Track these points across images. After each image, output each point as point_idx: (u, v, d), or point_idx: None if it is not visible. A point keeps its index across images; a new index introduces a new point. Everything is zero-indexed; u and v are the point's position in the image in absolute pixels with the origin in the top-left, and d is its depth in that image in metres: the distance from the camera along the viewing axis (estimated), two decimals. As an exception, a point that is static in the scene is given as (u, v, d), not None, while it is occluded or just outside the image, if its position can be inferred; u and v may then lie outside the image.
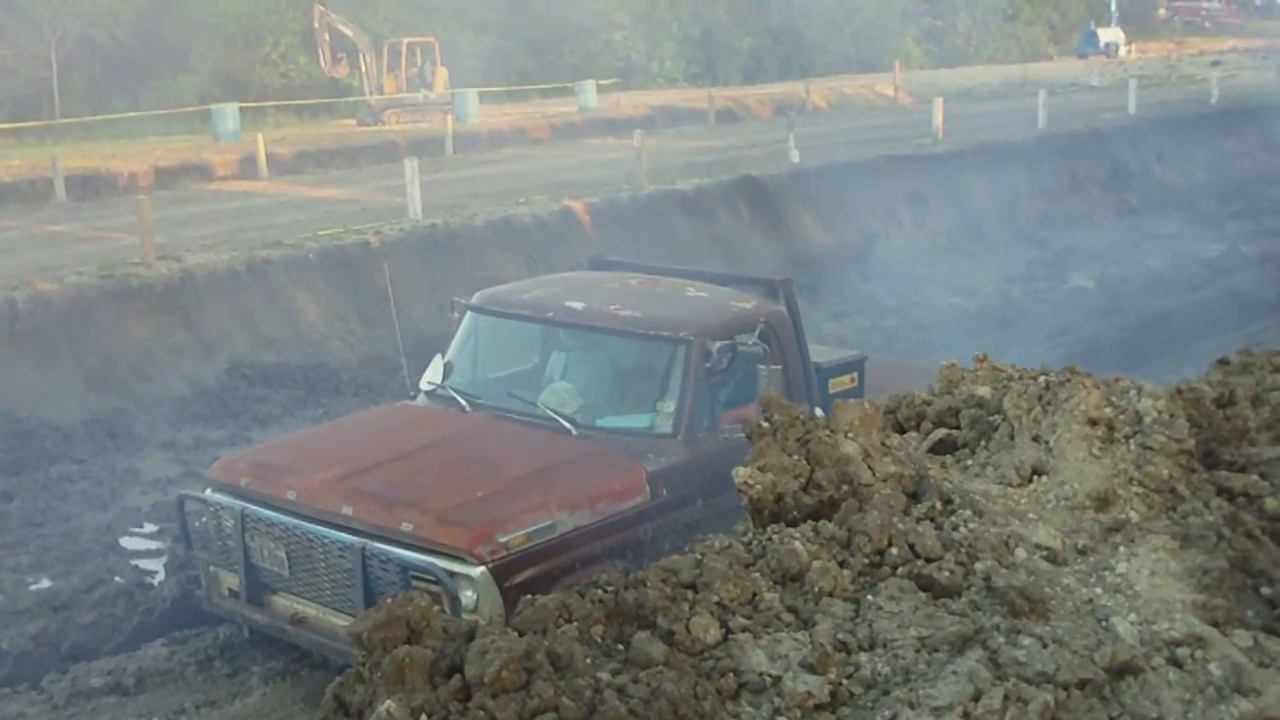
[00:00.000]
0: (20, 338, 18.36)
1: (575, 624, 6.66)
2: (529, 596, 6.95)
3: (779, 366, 10.61)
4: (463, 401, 11.27)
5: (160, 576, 13.08)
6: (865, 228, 29.19)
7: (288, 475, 10.33)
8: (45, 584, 13.21)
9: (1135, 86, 42.88)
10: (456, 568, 9.10)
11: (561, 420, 10.69)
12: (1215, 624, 7.54)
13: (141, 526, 14.90)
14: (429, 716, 5.97)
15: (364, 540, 9.50)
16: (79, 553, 13.92)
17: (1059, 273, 28.09)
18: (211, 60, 51.75)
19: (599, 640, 6.74)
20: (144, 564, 13.72)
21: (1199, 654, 7.22)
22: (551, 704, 6.00)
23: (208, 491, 10.81)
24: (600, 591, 7.00)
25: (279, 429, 17.32)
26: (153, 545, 14.29)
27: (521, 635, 6.40)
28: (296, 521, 9.97)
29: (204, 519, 10.85)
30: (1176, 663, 7.16)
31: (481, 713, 5.93)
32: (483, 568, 9.07)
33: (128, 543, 14.47)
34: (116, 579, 13.08)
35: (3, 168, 33.84)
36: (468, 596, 8.96)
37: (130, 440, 17.42)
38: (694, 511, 10.05)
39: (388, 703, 5.96)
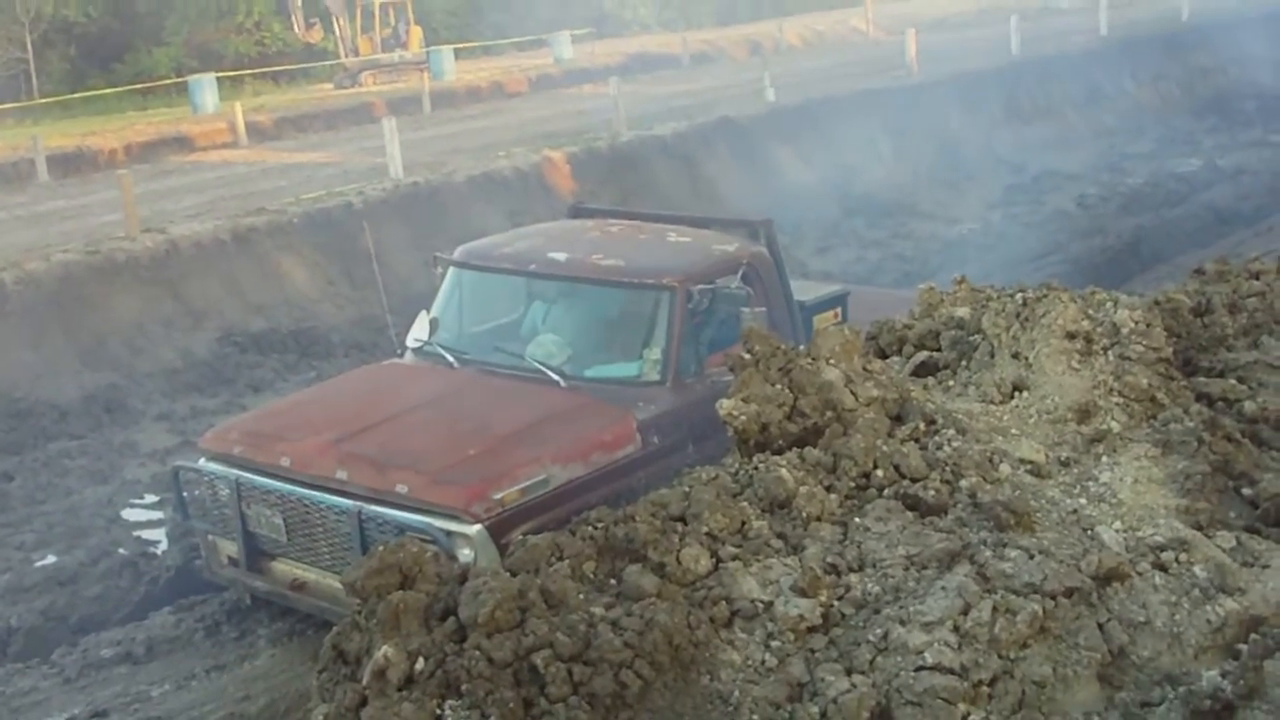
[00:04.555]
0: (11, 318, 18.40)
1: (567, 561, 6.74)
2: (520, 536, 7.02)
3: (763, 308, 10.52)
4: (450, 358, 11.23)
5: (163, 546, 13.16)
6: (845, 162, 29.16)
7: (280, 442, 10.31)
8: (51, 560, 13.28)
9: (1106, 6, 42.78)
10: (453, 527, 9.10)
11: (549, 372, 10.65)
12: (1199, 527, 7.68)
13: (142, 498, 14.96)
14: (425, 659, 6.05)
15: (359, 503, 9.49)
16: (82, 527, 14.00)
17: (1038, 196, 28.19)
18: (186, 32, 51.50)
19: (591, 576, 6.83)
20: (146, 535, 13.79)
21: (1183, 557, 7.36)
22: (546, 640, 6.09)
23: (201, 461, 10.79)
24: (590, 529, 7.07)
25: (273, 394, 17.38)
26: (154, 516, 14.36)
27: (514, 575, 6.49)
28: (291, 488, 9.96)
29: (200, 489, 10.84)
30: (1162, 567, 7.30)
31: (477, 652, 6.02)
32: (479, 525, 9.06)
33: (129, 515, 14.55)
34: (120, 551, 13.15)
35: (-17, 150, 33.79)
36: (465, 555, 8.90)
37: (126, 414, 17.49)
38: (685, 458, 9.89)
39: (385, 648, 6.05)
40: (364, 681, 6.08)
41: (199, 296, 20.17)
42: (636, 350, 10.88)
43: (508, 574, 6.52)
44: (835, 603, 6.82)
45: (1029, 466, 8.04)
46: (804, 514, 7.37)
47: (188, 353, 19.18)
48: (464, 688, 6.01)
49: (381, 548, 6.66)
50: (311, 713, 6.64)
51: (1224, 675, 6.60)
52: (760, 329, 9.02)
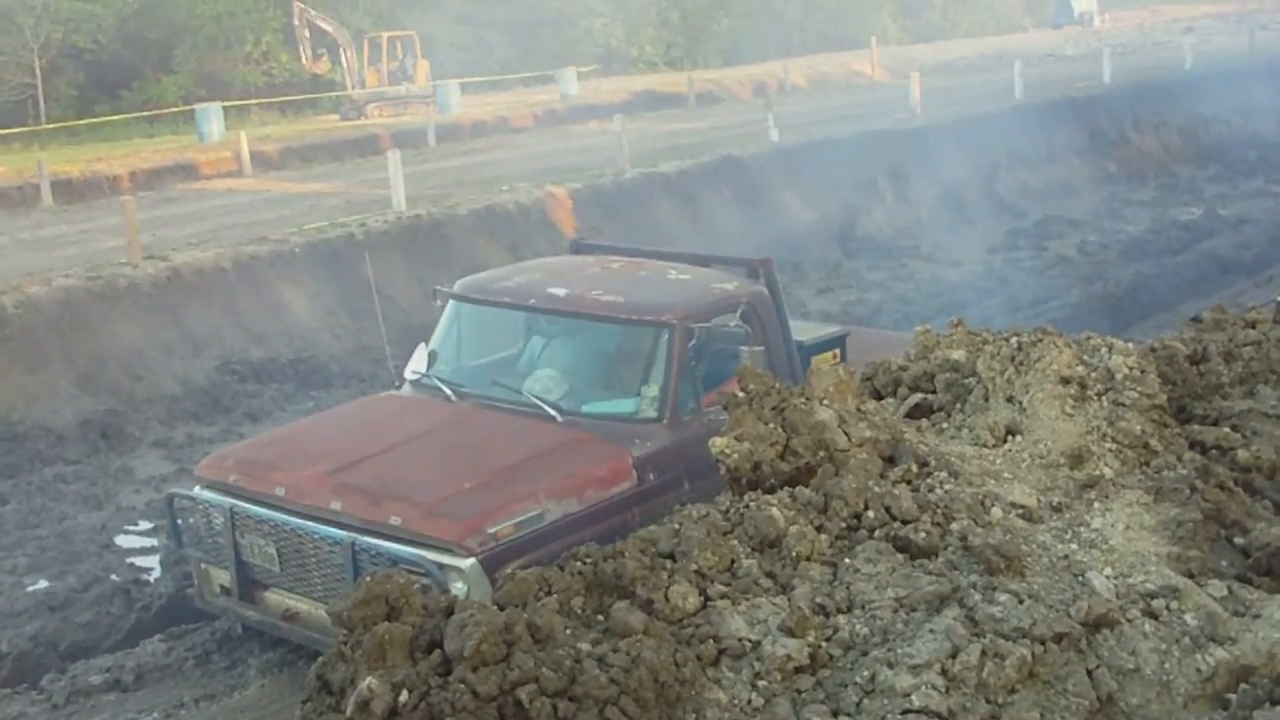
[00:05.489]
0: (10, 341, 18.41)
1: (555, 596, 6.73)
2: (510, 571, 7.00)
3: (761, 347, 10.54)
4: (447, 390, 11.23)
5: (156, 573, 13.15)
6: (847, 203, 29.29)
7: (275, 471, 10.32)
8: (42, 584, 13.25)
9: (1110, 55, 42.98)
10: (446, 560, 9.09)
11: (546, 407, 10.65)
12: (1190, 575, 7.65)
13: (136, 525, 14.95)
14: (410, 691, 6.02)
15: (353, 535, 9.49)
16: (75, 553, 13.98)
17: (1039, 241, 28.22)
18: (194, 61, 51.72)
19: (579, 611, 6.81)
20: (139, 561, 13.78)
21: (1174, 605, 7.34)
22: (532, 675, 6.06)
23: (196, 489, 10.79)
24: (579, 564, 7.06)
25: (271, 423, 17.39)
26: (148, 543, 14.33)
27: (501, 609, 6.48)
28: (285, 517, 9.96)
29: (194, 517, 10.85)
30: (1152, 614, 7.28)
31: (462, 686, 6.00)
32: (473, 559, 9.05)
33: (123, 541, 14.52)
34: (113, 577, 13.15)
35: (-12, 174, 33.89)
36: (458, 588, 8.89)
37: (123, 440, 17.50)
38: (681, 495, 9.86)
39: (369, 679, 6.03)
40: (348, 713, 6.06)
41: (199, 324, 20.19)
42: (634, 387, 10.88)
43: (494, 608, 6.50)
44: (823, 643, 6.80)
45: (1021, 511, 8.02)
46: (794, 553, 7.36)
47: (186, 380, 19.20)
48: (448, 721, 6.00)
49: (369, 578, 6.64)
50: (295, 743, 6.63)
51: (1212, 725, 6.59)
52: (754, 368, 9.03)
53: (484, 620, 6.20)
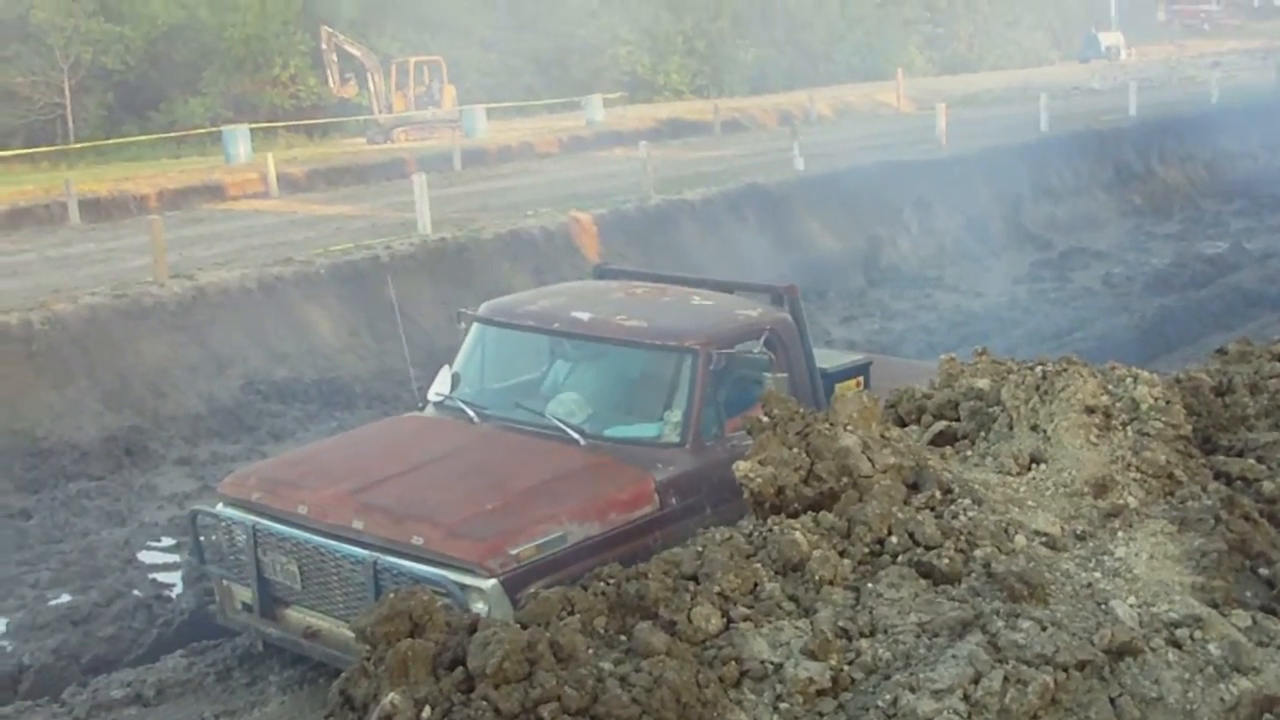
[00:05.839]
0: (37, 358, 18.49)
1: (578, 616, 6.75)
2: (533, 591, 7.01)
3: (784, 374, 10.48)
4: (470, 412, 11.24)
5: (178, 590, 13.18)
6: (871, 232, 29.27)
7: (298, 490, 10.34)
8: (65, 599, 13.33)
9: (1136, 89, 42.92)
10: (468, 580, 9.08)
11: (569, 430, 10.63)
12: (1214, 605, 7.64)
13: (159, 541, 15.00)
14: (432, 708, 6.04)
15: (375, 554, 9.49)
16: (97, 567, 14.05)
17: (1064, 273, 28.20)
18: (222, 83, 52.03)
19: (601, 632, 6.83)
20: (161, 577, 13.82)
21: (1198, 634, 7.33)
22: (554, 694, 6.07)
23: (219, 506, 10.82)
24: (602, 584, 7.08)
25: (293, 443, 17.41)
26: (170, 559, 14.39)
27: (524, 628, 6.49)
28: (308, 536, 9.97)
29: (216, 534, 10.87)
30: (1176, 643, 7.27)
31: (484, 703, 6.01)
32: (494, 580, 9.03)
33: (145, 557, 14.57)
34: (135, 592, 13.19)
35: (18, 192, 34.06)
36: (479, 609, 8.82)
37: (147, 457, 17.58)
38: (703, 520, 9.75)
39: (391, 695, 6.05)
40: (370, 728, 6.09)
41: (224, 343, 20.24)
42: (657, 411, 10.87)
43: (518, 626, 6.51)
44: (845, 667, 6.80)
45: (1044, 539, 8.02)
46: (817, 577, 7.36)
47: (210, 399, 19.25)
48: (470, 738, 6.01)
49: (392, 594, 6.66)
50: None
51: (1235, 755, 6.58)
52: (779, 393, 9.04)
53: (507, 638, 6.21)
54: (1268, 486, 8.81)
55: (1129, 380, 9.03)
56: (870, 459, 8.22)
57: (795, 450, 8.18)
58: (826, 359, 12.45)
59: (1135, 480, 8.49)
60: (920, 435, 9.31)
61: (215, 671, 11.27)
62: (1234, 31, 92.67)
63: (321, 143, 48.50)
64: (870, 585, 7.39)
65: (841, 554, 7.58)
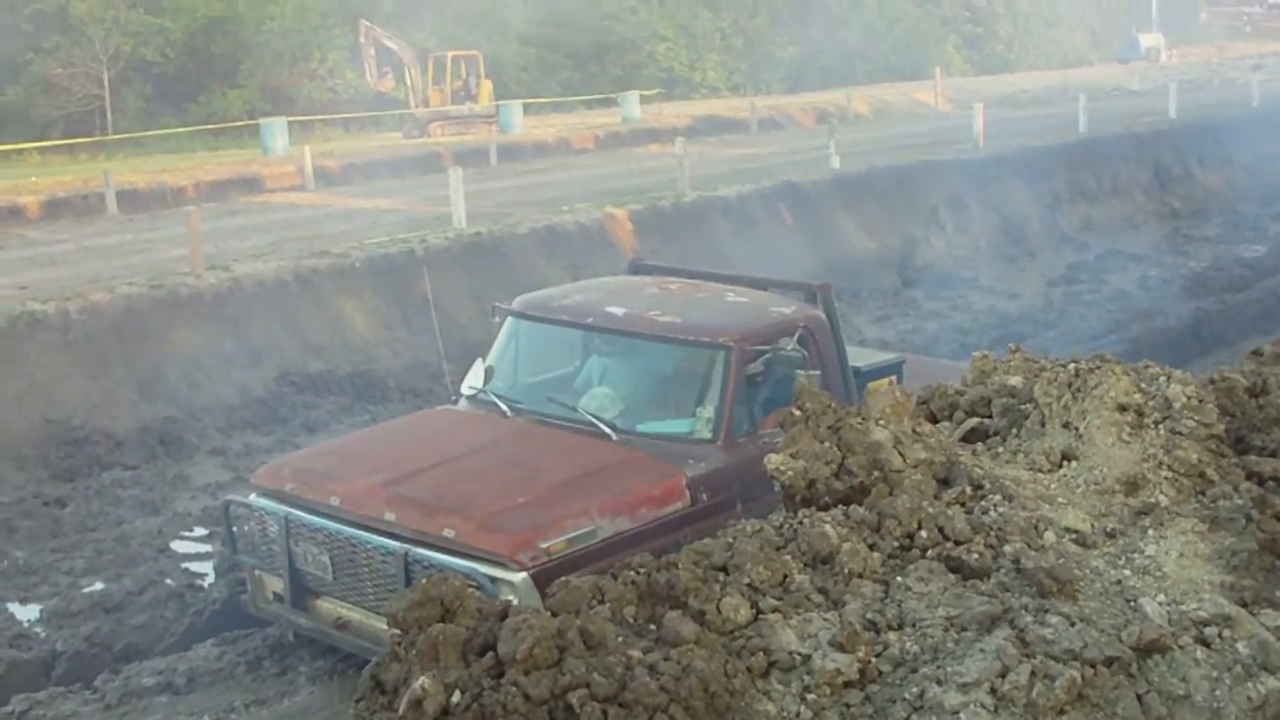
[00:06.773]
0: (73, 347, 18.61)
1: (608, 604, 6.77)
2: (563, 579, 7.04)
3: (818, 371, 10.53)
4: (503, 406, 11.30)
5: (210, 579, 13.27)
6: (906, 232, 29.24)
7: (331, 481, 10.41)
8: (98, 586, 13.44)
9: (1176, 90, 42.73)
10: (498, 573, 9.14)
11: (602, 425, 10.69)
12: (1243, 604, 7.61)
13: (192, 530, 15.10)
14: (462, 692, 6.07)
15: (406, 546, 9.55)
16: (131, 556, 14.14)
17: (1100, 275, 28.09)
18: (260, 76, 52.29)
19: (631, 620, 6.84)
20: (194, 567, 13.90)
21: (1227, 633, 7.30)
22: (583, 681, 6.10)
23: (252, 497, 10.90)
24: (633, 573, 7.09)
25: (327, 435, 17.46)
26: (203, 549, 14.49)
27: (554, 615, 6.53)
28: (340, 526, 10.04)
29: (249, 524, 10.94)
30: (1204, 642, 7.24)
31: (514, 689, 6.04)
32: (524, 573, 9.10)
33: (178, 546, 14.68)
34: (167, 581, 13.28)
35: (56, 183, 34.24)
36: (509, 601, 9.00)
37: (181, 447, 17.67)
38: (733, 516, 9.84)
39: (422, 679, 6.08)
40: (400, 712, 6.11)
41: (259, 335, 20.33)
42: (689, 407, 10.92)
43: (548, 613, 6.55)
44: (873, 659, 6.80)
45: (1074, 535, 8.00)
46: (846, 570, 7.37)
47: (245, 390, 19.33)
48: (499, 723, 6.04)
49: (424, 580, 6.70)
50: (347, 742, 6.69)
51: (1263, 753, 6.56)
52: (812, 387, 9.04)
53: (537, 625, 6.24)
54: (1300, 487, 8.79)
55: (1162, 379, 9.01)
56: (901, 453, 8.22)
57: (827, 444, 8.19)
58: (859, 357, 12.48)
59: (1166, 479, 8.47)
60: (952, 431, 9.30)
61: (246, 661, 11.36)
62: (1276, 34, 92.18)
63: (358, 136, 48.68)
64: (899, 579, 7.39)
65: (871, 547, 7.58)
